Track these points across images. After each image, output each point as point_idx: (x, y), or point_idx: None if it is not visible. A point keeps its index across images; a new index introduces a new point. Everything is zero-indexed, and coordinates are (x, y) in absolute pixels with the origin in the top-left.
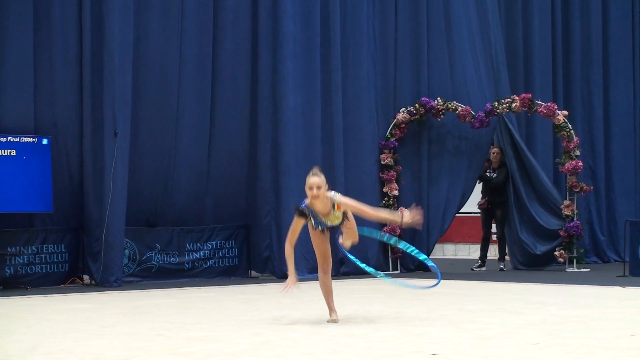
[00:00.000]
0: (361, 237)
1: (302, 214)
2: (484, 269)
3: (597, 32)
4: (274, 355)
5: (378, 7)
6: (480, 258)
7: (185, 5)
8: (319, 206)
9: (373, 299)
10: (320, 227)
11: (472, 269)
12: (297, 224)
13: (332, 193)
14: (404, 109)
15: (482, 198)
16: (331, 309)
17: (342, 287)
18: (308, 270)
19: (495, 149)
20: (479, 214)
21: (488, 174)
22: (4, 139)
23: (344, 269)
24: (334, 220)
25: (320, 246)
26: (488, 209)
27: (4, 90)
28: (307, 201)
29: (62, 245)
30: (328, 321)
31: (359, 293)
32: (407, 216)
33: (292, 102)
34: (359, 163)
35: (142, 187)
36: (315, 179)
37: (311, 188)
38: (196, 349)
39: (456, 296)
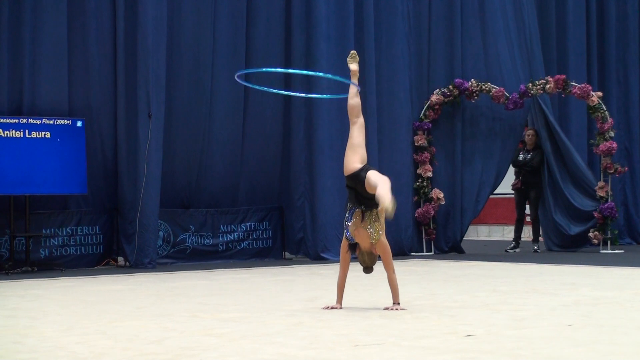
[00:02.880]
0: (394, 219)
1: (352, 247)
2: (518, 250)
3: (634, 10)
4: (308, 336)
5: None
6: (514, 239)
7: None
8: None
9: (406, 280)
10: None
11: (506, 250)
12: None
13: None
14: (437, 90)
15: (515, 179)
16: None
17: (375, 269)
18: None
19: (530, 130)
20: (512, 196)
21: (521, 156)
22: (39, 122)
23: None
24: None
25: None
26: (522, 190)
27: (39, 73)
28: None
29: (97, 227)
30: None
31: None
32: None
33: (325, 84)
34: (393, 144)
35: (176, 169)
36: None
37: None
38: (230, 330)
39: (490, 277)
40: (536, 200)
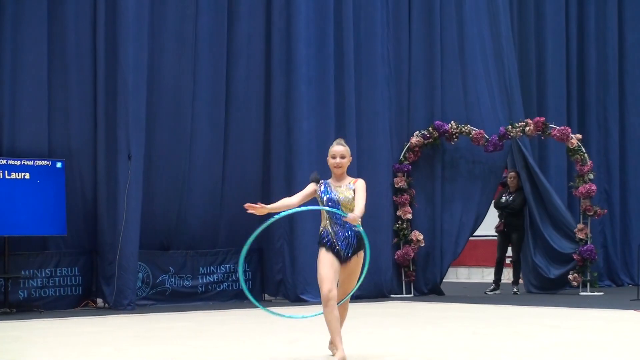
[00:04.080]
0: (374, 261)
1: (316, 180)
2: (498, 292)
3: (614, 53)
4: None
5: (392, 31)
6: (494, 281)
7: (199, 29)
8: (336, 178)
9: (386, 322)
10: (326, 200)
11: (485, 292)
12: (306, 189)
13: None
14: (417, 132)
15: (499, 221)
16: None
17: (356, 311)
18: None
19: (512, 172)
20: (492, 237)
21: (504, 198)
22: (18, 162)
23: (357, 292)
24: (344, 193)
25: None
26: (504, 232)
27: (19, 114)
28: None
29: (76, 268)
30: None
31: (373, 317)
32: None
33: (305, 126)
34: (373, 186)
35: (156, 211)
36: (340, 148)
37: (334, 157)
38: None
39: (470, 320)
40: (518, 242)
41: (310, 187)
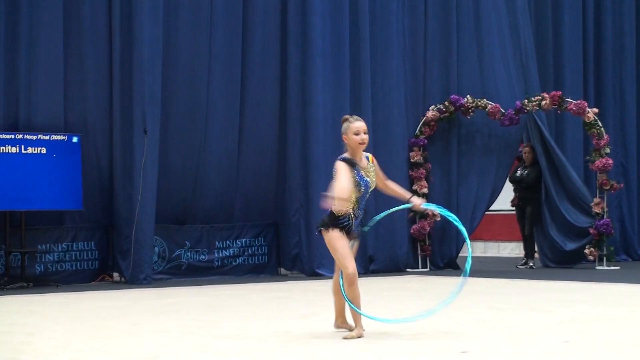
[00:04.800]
0: (390, 236)
1: (350, 163)
2: (532, 264)
3: (631, 27)
4: (303, 353)
5: (407, 5)
6: (525, 255)
7: (215, 3)
8: (356, 156)
9: (402, 296)
10: (362, 184)
11: (517, 267)
12: (348, 172)
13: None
14: (433, 106)
15: (514, 195)
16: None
17: (372, 285)
18: None
19: (526, 147)
20: (508, 212)
21: (519, 172)
22: (35, 137)
23: (372, 266)
24: (371, 175)
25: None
26: (520, 206)
27: (35, 89)
28: (346, 155)
29: (92, 242)
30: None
31: (388, 291)
32: (417, 201)
33: (321, 100)
34: (389, 160)
35: (172, 185)
36: (363, 124)
37: (358, 133)
38: (226, 346)
39: (485, 294)
40: (532, 216)
41: (350, 172)
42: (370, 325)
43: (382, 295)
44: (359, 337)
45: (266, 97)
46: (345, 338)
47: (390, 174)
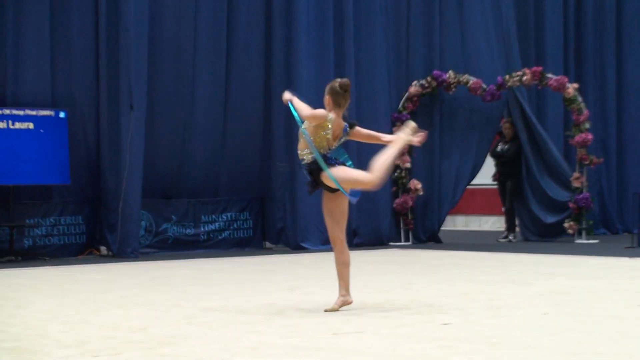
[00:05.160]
0: (373, 210)
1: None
2: (512, 238)
3: (611, 4)
4: (287, 325)
5: None
6: (506, 229)
7: None
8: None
9: (385, 269)
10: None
11: (498, 240)
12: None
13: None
14: (416, 82)
15: (495, 170)
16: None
17: (356, 259)
18: (322, 242)
19: (506, 123)
20: (490, 186)
21: (500, 147)
22: (22, 112)
23: (356, 240)
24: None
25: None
26: (500, 181)
27: (21, 65)
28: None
29: (80, 217)
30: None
31: (371, 264)
32: (406, 132)
33: (306, 75)
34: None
35: (158, 160)
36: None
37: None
38: (212, 319)
39: (467, 267)
40: (513, 190)
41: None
42: (355, 298)
43: (366, 268)
44: (342, 305)
45: (251, 73)
46: (326, 310)
47: (373, 148)
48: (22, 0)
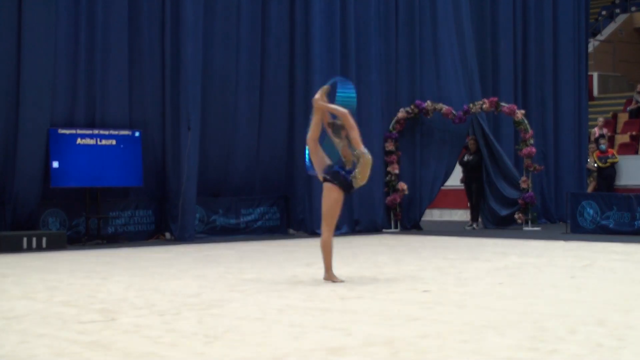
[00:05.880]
0: (370, 205)
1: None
2: (475, 226)
3: (549, 49)
4: (306, 292)
5: (383, 34)
6: (471, 219)
7: (240, 32)
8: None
9: (379, 250)
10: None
11: (465, 228)
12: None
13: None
14: (402, 109)
15: (462, 175)
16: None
17: (357, 242)
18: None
19: (471, 139)
20: (458, 187)
21: (466, 158)
22: (107, 132)
23: (357, 227)
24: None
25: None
26: (467, 183)
27: (107, 96)
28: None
29: (150, 210)
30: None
31: (368, 246)
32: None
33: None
34: (369, 149)
35: (209, 168)
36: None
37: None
38: (249, 287)
39: (441, 248)
40: (477, 190)
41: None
42: (356, 272)
43: (364, 250)
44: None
45: (279, 100)
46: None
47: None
48: (107, 49)
